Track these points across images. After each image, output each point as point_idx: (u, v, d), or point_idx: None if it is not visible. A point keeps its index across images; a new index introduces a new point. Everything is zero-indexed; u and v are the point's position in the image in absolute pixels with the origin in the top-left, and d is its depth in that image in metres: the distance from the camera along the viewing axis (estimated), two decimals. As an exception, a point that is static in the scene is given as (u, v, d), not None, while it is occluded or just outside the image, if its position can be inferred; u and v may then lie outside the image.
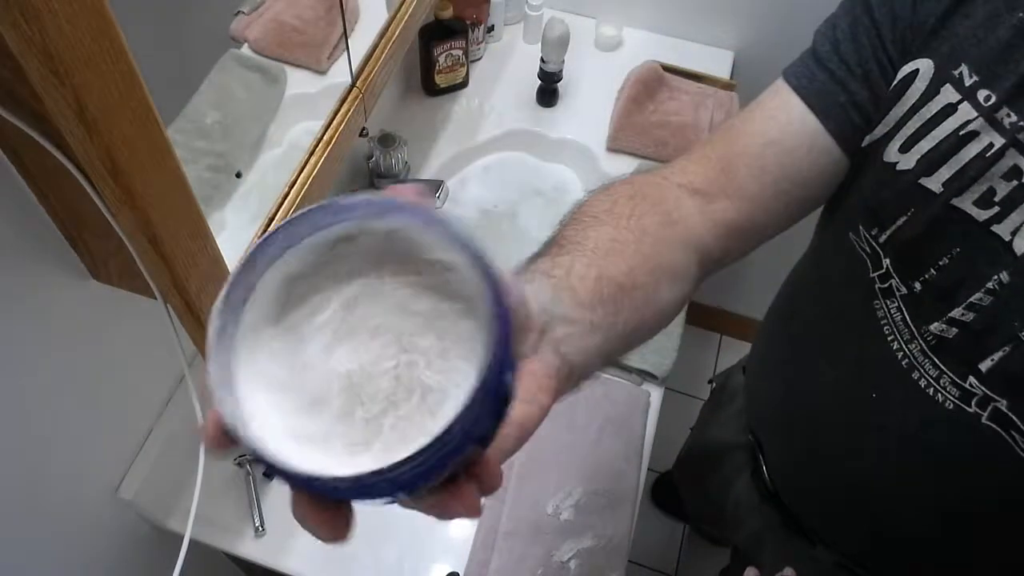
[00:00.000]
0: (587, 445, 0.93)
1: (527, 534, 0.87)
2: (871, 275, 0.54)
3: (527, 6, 1.33)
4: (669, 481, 1.71)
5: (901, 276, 0.51)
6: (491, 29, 1.33)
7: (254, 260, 0.28)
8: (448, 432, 0.24)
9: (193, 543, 0.69)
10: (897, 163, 0.50)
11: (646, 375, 1.00)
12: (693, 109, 1.24)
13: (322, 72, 0.76)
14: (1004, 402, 0.48)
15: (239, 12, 0.63)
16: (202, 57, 0.61)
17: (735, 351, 1.96)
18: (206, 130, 0.62)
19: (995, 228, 0.46)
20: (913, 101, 0.48)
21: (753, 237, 0.56)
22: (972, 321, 0.48)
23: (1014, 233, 0.45)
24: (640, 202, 0.50)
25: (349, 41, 0.76)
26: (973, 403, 0.49)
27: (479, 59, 1.34)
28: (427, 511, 0.30)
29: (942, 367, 0.51)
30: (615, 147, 1.23)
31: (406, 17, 0.86)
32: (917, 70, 0.48)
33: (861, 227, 0.54)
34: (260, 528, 0.87)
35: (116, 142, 0.43)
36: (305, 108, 0.75)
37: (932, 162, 0.48)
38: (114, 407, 0.77)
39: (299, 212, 0.28)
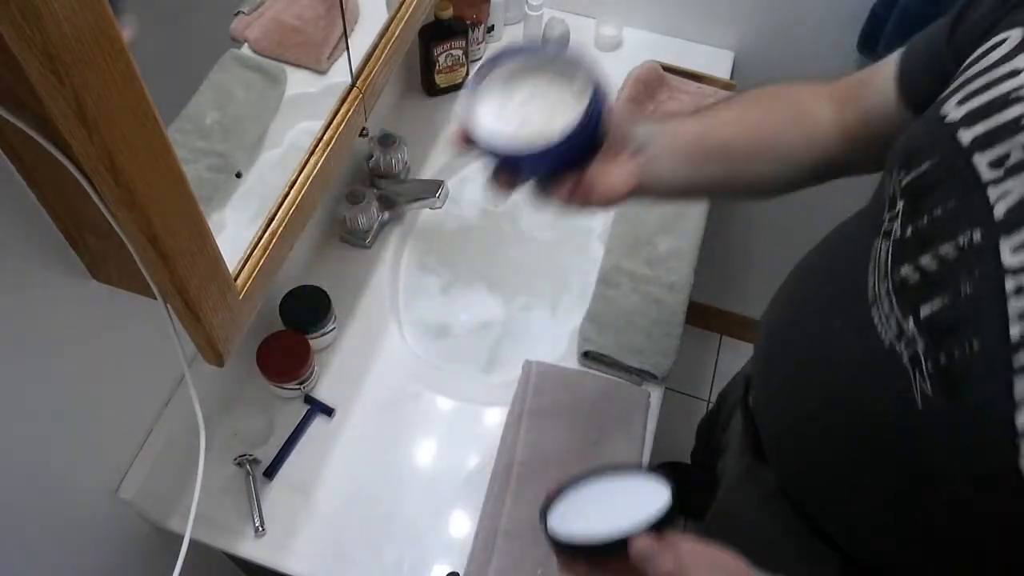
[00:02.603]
0: (587, 445, 0.93)
1: (527, 534, 0.87)
2: (884, 215, 0.56)
3: (527, 6, 1.33)
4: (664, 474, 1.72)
5: (903, 220, 0.53)
6: (491, 29, 1.33)
7: (498, 55, 0.59)
8: (570, 134, 0.54)
9: (193, 543, 0.69)
10: (947, 115, 0.51)
11: (646, 375, 1.01)
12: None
13: (322, 72, 0.76)
14: (921, 344, 0.49)
15: (239, 12, 0.63)
16: (202, 57, 0.61)
17: (735, 351, 1.97)
18: (206, 130, 0.62)
19: (990, 190, 0.46)
20: (987, 64, 0.50)
21: (868, 151, 0.65)
22: (933, 271, 0.49)
23: (1000, 198, 0.45)
24: (779, 98, 0.67)
25: (349, 41, 0.76)
26: (902, 343, 0.51)
27: (479, 59, 1.34)
28: (570, 197, 0.59)
29: (895, 306, 0.52)
30: (615, 147, 1.23)
31: (406, 17, 0.86)
32: (1005, 39, 0.50)
33: (895, 170, 0.55)
34: (260, 528, 0.87)
35: (116, 142, 0.43)
36: (305, 108, 0.75)
37: (974, 116, 0.49)
38: (114, 407, 0.77)
39: (523, 44, 0.62)
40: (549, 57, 0.59)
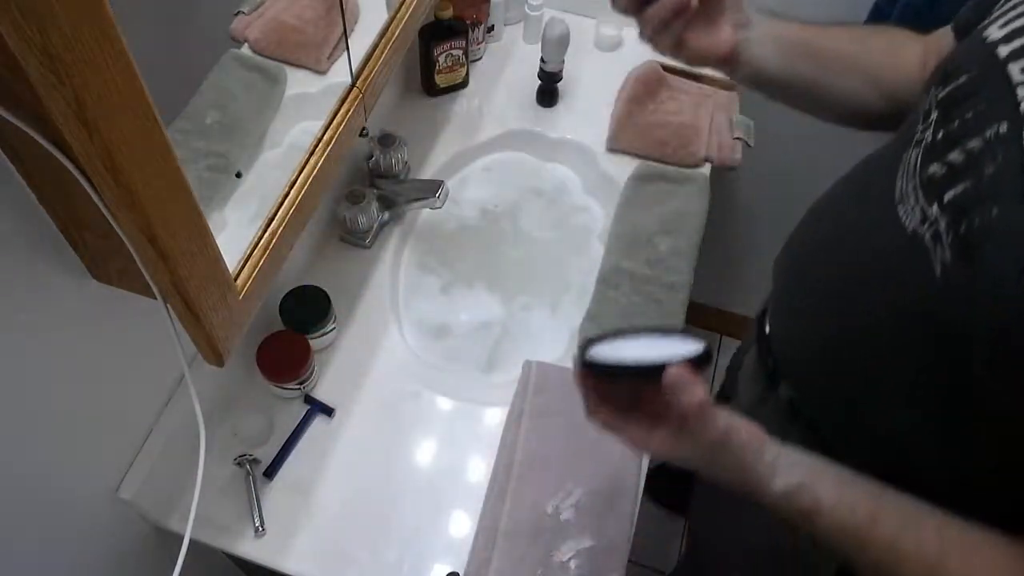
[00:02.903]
0: (587, 445, 0.93)
1: (527, 534, 0.87)
2: (917, 128, 0.59)
3: (527, 6, 1.33)
4: (665, 473, 1.72)
5: (935, 128, 0.56)
6: (491, 29, 1.33)
7: None
8: None
9: (193, 543, 0.69)
10: (989, 36, 0.54)
11: (646, 375, 1.00)
12: (693, 109, 1.24)
13: (322, 72, 0.76)
14: (943, 223, 0.52)
15: (239, 12, 0.63)
16: (202, 57, 0.61)
17: (735, 351, 1.96)
18: (206, 130, 0.62)
19: (1019, 89, 0.49)
20: None
21: None
22: (960, 163, 0.52)
23: None
24: (877, 33, 0.74)
25: (349, 41, 0.76)
26: (924, 226, 0.54)
27: (479, 59, 1.34)
28: (672, 17, 0.65)
29: (920, 198, 0.55)
30: (615, 147, 1.23)
31: (406, 17, 0.86)
32: None
33: (931, 88, 0.59)
34: (260, 528, 0.87)
35: (116, 142, 0.43)
36: (305, 108, 0.75)
37: (1015, 34, 0.52)
38: (114, 407, 0.77)
39: None
40: None
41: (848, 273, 0.63)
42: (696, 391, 0.54)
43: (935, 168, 0.54)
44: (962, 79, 0.55)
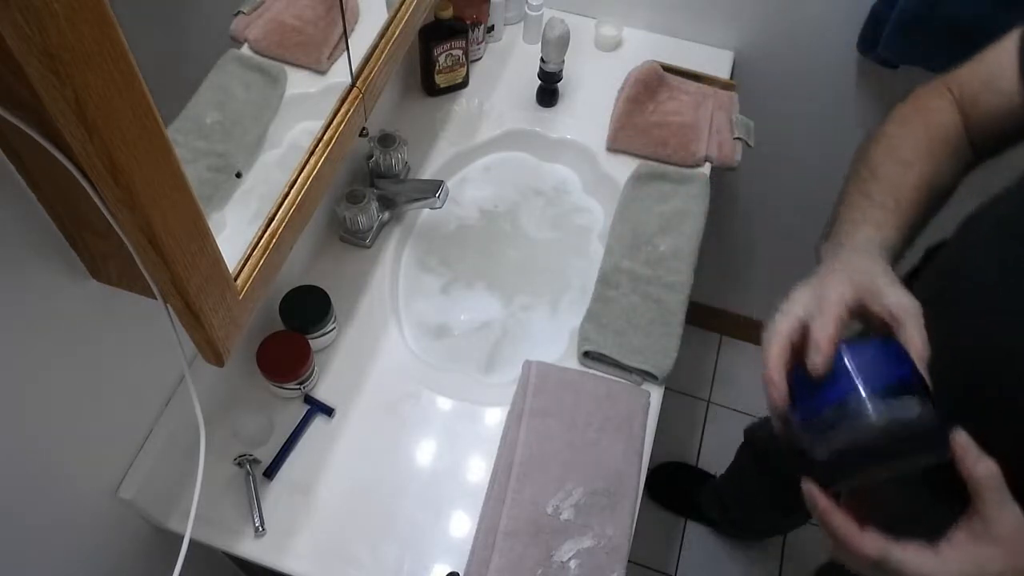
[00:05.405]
0: (587, 445, 0.93)
1: (527, 534, 0.87)
2: None
3: (527, 6, 1.33)
4: (664, 473, 1.73)
5: None
6: (491, 29, 1.33)
7: None
8: None
9: (193, 543, 0.69)
10: None
11: (646, 375, 1.01)
12: (693, 109, 1.24)
13: (322, 72, 0.76)
14: None
15: (239, 12, 0.63)
16: (202, 57, 0.61)
17: (735, 351, 1.97)
18: (206, 130, 0.62)
19: None
20: None
21: (995, 147, 0.73)
22: None
23: None
24: (923, 136, 0.73)
25: (349, 41, 0.76)
26: None
27: (479, 59, 1.34)
28: None
29: None
30: (615, 147, 1.23)
31: (406, 17, 0.86)
32: None
33: None
34: (260, 528, 0.87)
35: (116, 142, 0.43)
36: (305, 108, 0.75)
37: None
38: (114, 407, 0.77)
39: None
40: None
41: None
42: (988, 461, 0.48)
43: None
44: None
